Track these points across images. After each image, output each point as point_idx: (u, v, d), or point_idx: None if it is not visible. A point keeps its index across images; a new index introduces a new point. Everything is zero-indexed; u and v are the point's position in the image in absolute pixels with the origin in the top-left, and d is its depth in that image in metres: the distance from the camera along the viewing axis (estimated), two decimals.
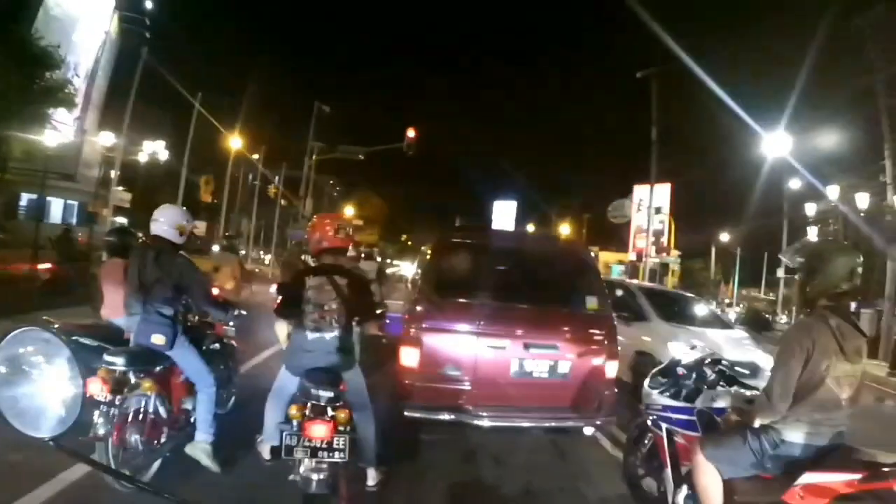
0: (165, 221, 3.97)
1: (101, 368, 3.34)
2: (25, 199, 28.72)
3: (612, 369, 5.02)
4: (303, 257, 8.23)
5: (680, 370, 3.78)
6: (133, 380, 3.56)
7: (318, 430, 3.10)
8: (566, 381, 4.90)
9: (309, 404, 3.25)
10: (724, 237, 45.98)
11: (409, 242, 74.76)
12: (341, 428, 3.19)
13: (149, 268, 3.81)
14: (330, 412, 3.23)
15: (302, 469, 3.20)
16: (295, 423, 3.19)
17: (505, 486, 4.41)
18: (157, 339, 3.73)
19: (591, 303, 5.20)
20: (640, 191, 29.72)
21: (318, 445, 3.10)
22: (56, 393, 1.24)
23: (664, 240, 29.57)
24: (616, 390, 5.14)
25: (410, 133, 22.26)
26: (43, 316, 4.54)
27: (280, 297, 3.92)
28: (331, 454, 3.12)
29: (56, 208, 30.88)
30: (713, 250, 47.29)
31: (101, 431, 3.27)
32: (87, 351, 4.21)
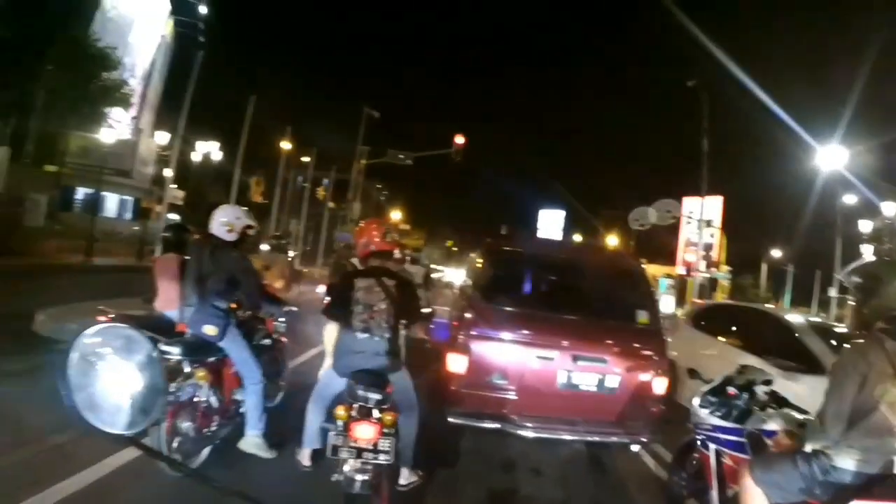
0: (217, 220, 4.19)
1: None
2: (81, 192, 29.94)
3: (660, 386, 4.88)
4: (345, 262, 8.30)
5: (731, 390, 3.67)
6: (187, 369, 3.69)
7: (365, 432, 3.14)
8: (614, 396, 4.79)
9: (356, 406, 3.26)
10: (776, 253, 44.43)
11: (455, 248, 74.99)
12: (387, 430, 3.22)
13: (204, 262, 4.03)
14: (377, 414, 3.25)
15: (346, 469, 3.20)
16: (341, 423, 3.22)
17: (541, 498, 4.33)
18: (209, 330, 3.88)
19: (642, 317, 5.08)
20: (689, 203, 28.94)
21: (364, 447, 3.13)
22: (136, 389, 1.24)
23: (714, 254, 28.68)
24: (663, 407, 4.98)
25: (459, 139, 22.33)
26: (98, 306, 4.74)
27: (329, 298, 4.04)
28: (376, 456, 3.14)
29: (111, 203, 32.12)
30: (764, 266, 45.69)
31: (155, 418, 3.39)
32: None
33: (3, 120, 20.78)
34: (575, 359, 4.68)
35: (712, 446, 3.59)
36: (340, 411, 3.26)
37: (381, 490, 3.34)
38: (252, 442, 4.07)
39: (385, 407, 3.32)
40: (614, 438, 4.83)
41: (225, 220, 4.19)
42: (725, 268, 29.64)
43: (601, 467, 5.16)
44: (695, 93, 22.13)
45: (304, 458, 3.84)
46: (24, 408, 4.39)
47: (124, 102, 27.02)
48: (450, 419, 4.60)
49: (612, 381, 4.75)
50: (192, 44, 32.45)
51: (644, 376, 4.82)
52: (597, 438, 4.86)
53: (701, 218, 23.57)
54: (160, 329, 4.58)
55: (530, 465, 4.87)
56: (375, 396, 3.29)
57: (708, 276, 26.98)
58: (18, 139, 20.39)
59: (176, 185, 35.11)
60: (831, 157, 18.25)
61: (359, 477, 3.17)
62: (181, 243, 5.12)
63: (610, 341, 4.83)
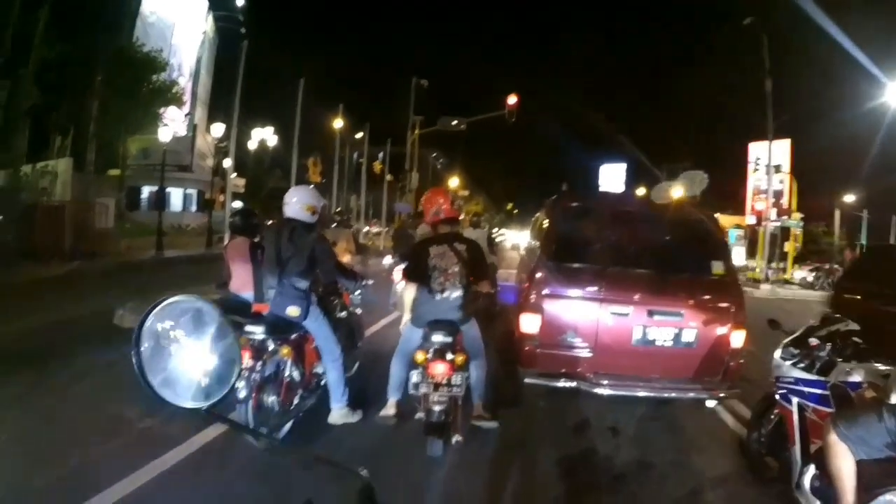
0: (297, 203, 4.24)
1: (241, 337, 3.63)
2: (146, 191, 31.36)
3: (738, 339, 4.70)
4: (410, 231, 8.35)
5: (813, 341, 3.50)
6: (271, 347, 3.86)
7: (440, 369, 3.76)
8: (690, 351, 4.65)
9: (431, 349, 3.86)
10: (849, 198, 41.76)
11: (515, 211, 74.42)
12: (459, 368, 3.83)
13: (284, 246, 4.12)
14: (449, 355, 3.82)
15: (426, 401, 3.81)
16: (420, 365, 3.84)
17: (618, 456, 4.28)
18: (292, 311, 4.01)
19: (717, 268, 4.89)
20: (756, 148, 27.40)
21: (440, 382, 3.75)
22: (210, 362, 1.27)
23: (784, 201, 27.14)
24: (742, 361, 4.79)
25: (512, 100, 21.83)
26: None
27: (406, 264, 4.39)
28: (450, 389, 3.75)
29: (175, 198, 33.53)
30: (837, 213, 43.08)
31: (242, 395, 3.55)
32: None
33: (63, 133, 21.88)
34: (650, 314, 4.57)
35: (794, 400, 3.43)
36: (419, 355, 3.89)
37: (455, 420, 3.90)
38: (339, 414, 4.24)
39: (456, 349, 3.91)
40: (691, 394, 4.72)
41: (308, 203, 4.24)
42: (797, 215, 27.86)
43: (677, 424, 5.04)
44: (754, 31, 20.91)
45: (390, 408, 4.26)
46: (111, 398, 4.67)
47: (176, 101, 27.96)
48: (525, 380, 4.62)
49: (689, 336, 4.61)
50: (234, 36, 33.01)
51: (721, 329, 4.66)
52: (673, 395, 4.76)
53: (769, 163, 22.42)
54: (237, 310, 4.76)
55: (605, 423, 4.82)
56: (447, 340, 3.87)
57: (779, 224, 25.72)
58: (80, 149, 21.44)
59: (235, 174, 36.33)
60: None
61: (437, 408, 3.75)
62: (249, 227, 5.29)
63: (685, 294, 4.69)
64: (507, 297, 5.24)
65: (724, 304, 4.71)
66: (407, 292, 4.30)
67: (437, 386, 3.76)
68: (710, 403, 4.90)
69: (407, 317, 4.29)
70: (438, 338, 3.88)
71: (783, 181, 27.64)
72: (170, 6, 33.15)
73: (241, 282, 5.03)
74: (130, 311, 7.28)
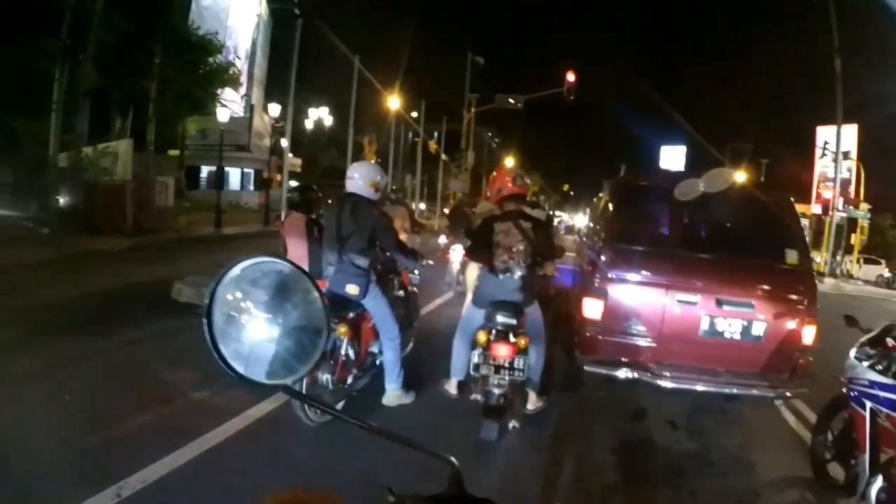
0: (360, 178, 4.15)
1: None
2: (205, 171, 32.28)
3: (809, 335, 4.42)
4: (466, 209, 8.27)
5: (890, 341, 3.27)
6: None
7: (502, 350, 3.64)
8: (759, 345, 4.40)
9: (493, 330, 3.76)
10: None
11: (571, 192, 73.28)
12: (521, 351, 3.71)
13: (345, 221, 4.05)
14: (512, 338, 3.72)
15: (486, 382, 3.72)
16: (481, 346, 3.76)
17: (675, 449, 4.17)
18: (352, 290, 3.96)
19: (791, 257, 4.60)
20: (823, 132, 25.92)
21: (501, 364, 3.64)
22: (293, 333, 1.18)
23: (851, 190, 25.70)
24: (811, 359, 4.53)
25: (570, 77, 21.33)
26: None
27: (471, 242, 4.32)
28: (512, 372, 3.65)
29: (234, 177, 34.41)
30: None
31: None
32: None
33: (123, 115, 22.69)
34: (719, 303, 4.33)
35: (868, 404, 3.21)
36: (481, 336, 3.80)
37: (513, 405, 3.85)
38: (393, 395, 4.20)
39: (519, 332, 3.79)
40: (755, 392, 4.46)
41: (372, 179, 4.16)
42: (865, 206, 26.36)
43: (737, 420, 4.87)
44: (822, 6, 19.74)
45: (452, 387, 4.22)
46: (168, 367, 4.83)
47: (233, 82, 28.42)
48: (585, 367, 4.49)
49: (758, 329, 4.37)
50: (288, 17, 33.33)
51: (792, 323, 4.39)
52: (738, 391, 4.50)
53: (837, 151, 21.24)
54: None
55: (664, 415, 4.68)
56: (511, 322, 3.76)
57: (845, 214, 24.42)
58: (140, 130, 22.17)
59: (291, 154, 36.96)
60: None
61: (496, 391, 3.66)
62: (307, 203, 5.32)
63: (757, 284, 4.44)
64: (563, 280, 5.09)
65: (797, 297, 4.45)
66: (470, 271, 4.29)
67: (498, 368, 3.64)
68: (777, 402, 4.69)
69: (470, 295, 4.24)
70: (502, 318, 3.76)
71: (851, 169, 26.15)
72: None
73: (297, 257, 5.05)
74: (188, 285, 7.46)
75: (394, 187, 16.26)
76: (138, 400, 4.13)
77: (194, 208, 22.96)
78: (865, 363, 3.36)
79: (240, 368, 1.09)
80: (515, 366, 3.66)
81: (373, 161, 25.92)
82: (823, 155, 26.30)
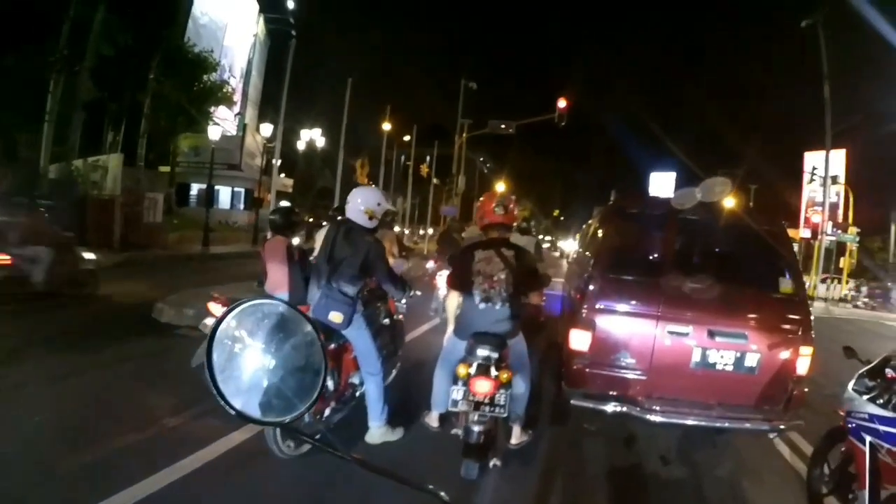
0: (356, 205, 4.03)
1: None
2: (196, 188, 32.13)
3: (803, 365, 4.30)
4: (455, 235, 8.16)
5: (889, 372, 3.21)
6: None
7: (483, 386, 3.44)
8: (752, 377, 4.26)
9: (475, 364, 3.56)
10: None
11: (562, 217, 73.68)
12: (503, 386, 3.50)
13: (338, 246, 3.93)
14: (494, 372, 3.53)
15: (465, 420, 3.57)
16: (461, 380, 3.55)
17: (666, 486, 4.03)
18: (335, 317, 3.81)
19: (785, 285, 4.49)
20: (811, 157, 26.29)
21: (482, 400, 3.45)
22: (293, 373, 1.15)
23: (840, 214, 25.97)
24: (806, 390, 4.40)
25: (561, 103, 21.44)
26: (211, 292, 4.94)
27: (451, 269, 4.14)
28: (492, 409, 3.46)
29: (224, 196, 34.26)
30: (893, 227, 40.93)
31: None
32: None
33: (115, 128, 22.63)
34: (711, 334, 4.19)
35: (868, 438, 3.13)
36: (461, 369, 3.59)
37: (495, 442, 3.71)
38: (378, 433, 4.02)
39: (502, 365, 3.60)
40: (748, 425, 4.31)
41: (364, 208, 4.01)
42: (854, 229, 26.57)
43: (730, 453, 4.72)
44: (812, 33, 20.03)
45: (433, 420, 4.07)
46: (144, 391, 4.72)
47: (227, 101, 28.53)
48: (572, 402, 4.32)
49: (752, 360, 4.23)
50: (285, 38, 33.56)
51: (786, 354, 4.26)
52: (731, 425, 4.35)
53: (826, 175, 21.41)
54: None
55: (655, 449, 4.55)
56: (493, 355, 3.58)
57: (834, 238, 24.56)
58: (131, 145, 22.10)
59: (284, 174, 36.89)
60: None
61: (476, 428, 3.50)
62: (289, 226, 5.21)
63: (750, 314, 4.30)
64: (552, 307, 4.93)
65: (791, 327, 4.31)
66: (450, 300, 4.04)
67: (478, 405, 3.46)
68: (771, 435, 4.55)
69: (451, 326, 4.02)
70: (483, 352, 3.59)
71: (839, 193, 26.45)
72: (221, 8, 33.83)
73: (277, 282, 4.96)
74: (169, 305, 7.42)
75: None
76: (112, 424, 4.03)
77: (183, 225, 22.82)
78: (865, 396, 3.27)
79: (238, 405, 1.15)
80: (496, 402, 3.46)
81: (364, 182, 25.96)
82: (812, 180, 26.60)
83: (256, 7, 38.24)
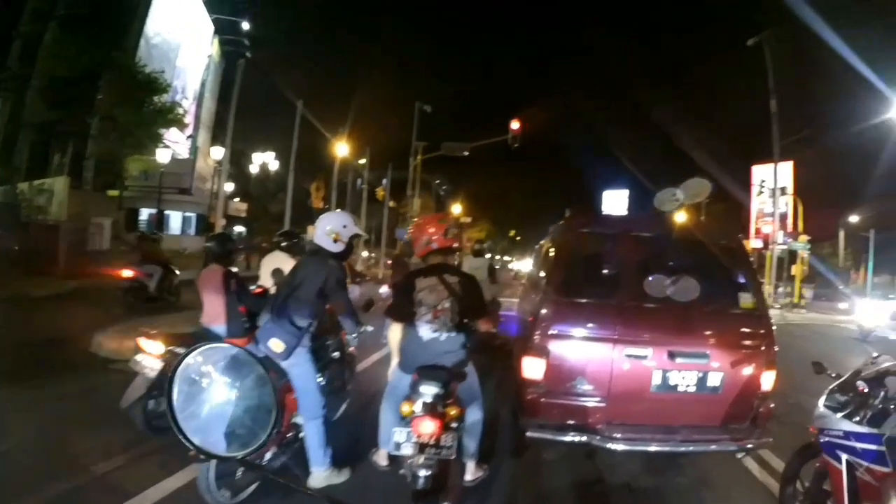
0: (320, 228, 3.86)
1: None
2: (146, 213, 31.04)
3: (768, 381, 4.16)
4: (407, 259, 7.91)
5: (860, 384, 3.10)
6: None
7: (427, 427, 3.12)
8: (716, 397, 4.09)
9: (420, 401, 3.25)
10: (854, 218, 41.36)
11: (518, 238, 74.19)
12: (451, 425, 3.25)
13: (300, 268, 3.81)
14: (440, 409, 3.24)
15: (410, 464, 3.25)
16: (405, 419, 3.26)
17: None
18: (276, 346, 3.56)
19: (746, 300, 4.33)
20: (760, 170, 27.20)
21: (427, 442, 3.13)
22: (246, 412, 1.35)
23: (789, 223, 26.89)
24: (772, 405, 4.26)
25: (515, 125, 21.54)
26: (141, 327, 4.58)
27: (391, 300, 3.87)
28: (438, 451, 3.15)
29: (175, 221, 33.26)
30: (841, 233, 42.60)
31: None
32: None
33: (61, 150, 21.74)
34: (671, 355, 3.99)
35: (844, 456, 3.00)
36: (405, 407, 3.29)
37: (447, 485, 3.39)
38: (320, 477, 3.70)
39: (449, 402, 3.31)
40: (714, 447, 4.12)
41: (330, 228, 3.82)
42: (804, 237, 27.48)
43: (698, 475, 4.52)
44: (758, 51, 20.72)
45: (381, 458, 3.77)
46: (71, 433, 4.42)
47: (178, 123, 27.74)
48: (528, 434, 4.05)
49: (715, 379, 4.05)
50: (239, 59, 33.07)
51: (751, 370, 4.11)
52: (696, 448, 4.16)
53: (775, 186, 22.05)
54: None
55: (619, 478, 4.33)
56: (438, 391, 3.26)
57: (786, 247, 25.29)
58: (79, 168, 21.26)
59: (239, 199, 36.03)
60: None
61: (422, 472, 3.17)
62: (226, 254, 4.89)
63: (711, 332, 4.14)
64: (508, 328, 4.68)
65: (754, 343, 4.17)
66: (393, 332, 3.73)
67: (423, 447, 3.15)
68: (739, 454, 4.41)
69: (395, 360, 3.74)
70: (428, 388, 3.27)
71: (788, 203, 27.37)
72: (175, 28, 33.11)
73: (214, 313, 4.63)
74: (107, 339, 7.06)
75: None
76: (33, 473, 3.71)
77: (131, 252, 21.93)
78: (839, 414, 3.14)
79: (196, 440, 1.26)
80: (443, 444, 3.15)
81: (320, 206, 25.49)
82: (761, 192, 27.49)
83: (211, 28, 37.63)
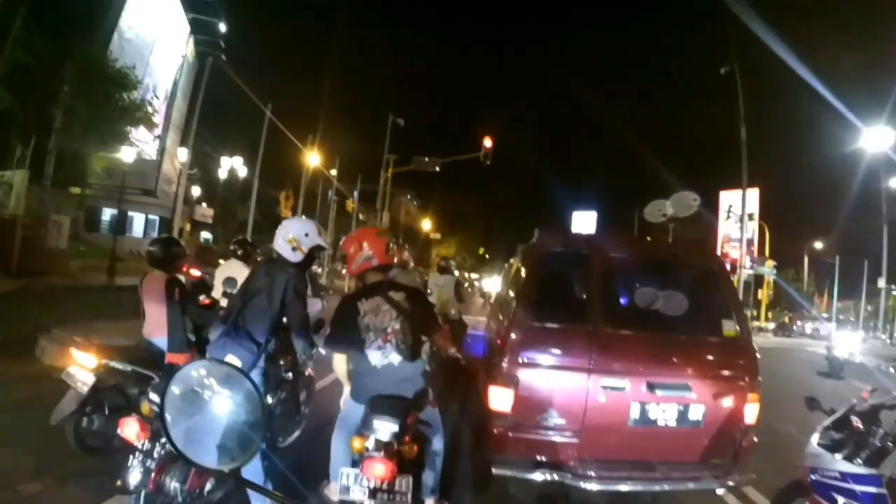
0: (280, 235, 3.62)
1: (143, 404, 2.83)
2: (108, 213, 29.97)
3: (752, 413, 3.90)
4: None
5: (855, 421, 2.95)
6: None
7: (378, 470, 2.69)
8: (697, 430, 3.81)
9: (372, 438, 2.84)
10: (818, 245, 42.57)
11: (487, 255, 74.34)
12: (407, 466, 2.88)
13: (256, 277, 3.57)
14: (395, 447, 2.85)
15: None
16: (356, 457, 2.91)
17: None
18: (233, 361, 3.14)
19: (729, 328, 4.10)
20: (727, 196, 27.77)
21: (378, 486, 2.75)
22: (235, 426, 1.37)
23: (755, 249, 27.48)
24: (755, 439, 4.01)
25: (487, 143, 21.48)
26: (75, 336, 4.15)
27: (330, 328, 3.37)
28: (392, 497, 2.76)
29: (138, 223, 32.20)
30: (806, 259, 43.76)
31: (133, 482, 2.72)
32: (124, 379, 3.75)
33: (23, 142, 20.82)
34: (651, 387, 3.70)
35: (840, 500, 2.81)
36: (356, 442, 2.88)
37: None
38: None
39: (405, 440, 2.92)
40: (692, 485, 3.84)
41: (291, 236, 3.55)
42: (771, 262, 28.02)
43: None
44: (729, 80, 21.06)
45: (332, 493, 3.24)
46: (7, 448, 4.10)
47: (146, 122, 26.94)
48: (494, 471, 3.71)
49: (697, 412, 3.77)
50: (213, 61, 32.41)
51: (734, 402, 3.84)
52: (675, 487, 3.86)
53: (742, 212, 22.36)
54: (146, 362, 3.93)
55: None
56: (393, 428, 2.83)
57: (752, 272, 25.69)
58: (39, 162, 20.36)
59: (205, 203, 35.12)
60: (877, 139, 17.30)
61: None
62: (169, 259, 4.49)
63: (693, 362, 3.86)
64: (475, 348, 4.33)
65: (738, 373, 3.91)
66: (337, 363, 3.37)
67: (374, 492, 2.78)
68: (720, 491, 4.13)
69: (347, 388, 3.36)
70: (381, 424, 2.86)
71: (754, 229, 27.97)
72: (150, 24, 32.24)
73: (155, 324, 4.24)
74: (52, 343, 6.65)
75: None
76: None
77: (90, 253, 21.19)
78: (837, 454, 2.94)
79: (188, 454, 1.31)
80: (397, 489, 2.76)
81: (288, 216, 24.98)
82: (728, 217, 28.07)
83: (187, 28, 36.82)
